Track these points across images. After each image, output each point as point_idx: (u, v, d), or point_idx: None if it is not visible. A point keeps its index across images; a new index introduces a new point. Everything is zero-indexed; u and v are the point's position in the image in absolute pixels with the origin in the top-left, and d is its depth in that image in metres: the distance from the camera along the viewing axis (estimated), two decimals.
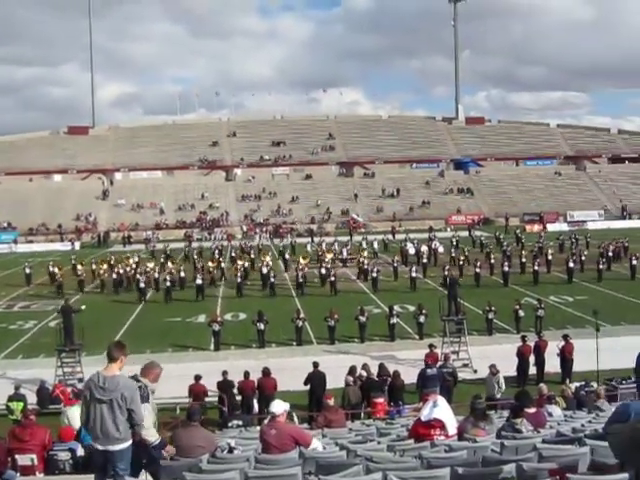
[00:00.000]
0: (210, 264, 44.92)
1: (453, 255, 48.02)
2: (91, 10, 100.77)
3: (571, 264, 41.10)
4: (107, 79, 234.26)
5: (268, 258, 45.18)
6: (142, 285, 39.29)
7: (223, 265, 46.60)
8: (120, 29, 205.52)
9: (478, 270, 40.33)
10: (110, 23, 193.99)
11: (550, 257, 44.61)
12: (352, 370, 20.03)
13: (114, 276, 42.15)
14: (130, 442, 7.06)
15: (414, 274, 40.13)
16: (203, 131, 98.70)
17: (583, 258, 43.89)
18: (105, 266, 44.72)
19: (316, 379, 19.93)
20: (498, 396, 18.86)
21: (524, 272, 42.84)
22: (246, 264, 45.20)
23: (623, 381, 19.80)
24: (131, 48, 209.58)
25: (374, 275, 40.26)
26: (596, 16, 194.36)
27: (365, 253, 48.85)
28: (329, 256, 47.77)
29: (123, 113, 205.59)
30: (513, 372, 22.66)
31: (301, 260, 44.40)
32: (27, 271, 46.04)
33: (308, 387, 20.00)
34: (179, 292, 39.78)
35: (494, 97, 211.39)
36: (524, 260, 43.85)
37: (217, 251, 54.06)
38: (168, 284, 38.78)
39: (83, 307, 28.14)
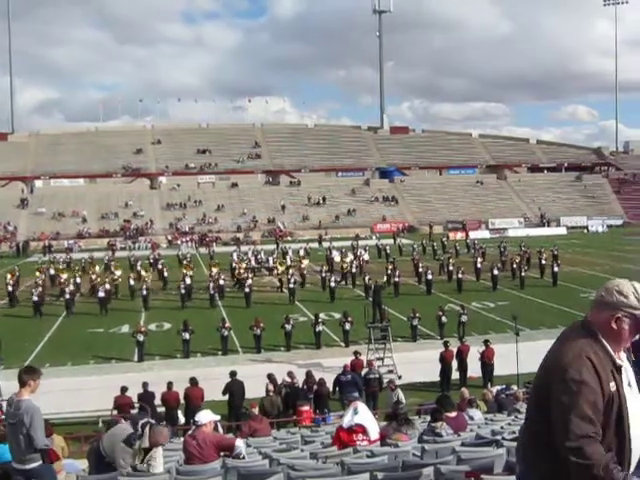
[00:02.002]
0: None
1: (379, 262, 47.98)
2: (10, 12, 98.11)
3: (495, 272, 41.66)
4: (27, 84, 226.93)
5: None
6: (36, 299, 37.09)
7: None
8: (41, 33, 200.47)
9: (397, 279, 40.42)
10: (30, 26, 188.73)
11: (479, 265, 44.72)
12: (270, 378, 19.92)
13: (10, 288, 40.04)
14: (40, 461, 7.04)
15: (333, 284, 40.02)
16: (127, 138, 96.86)
17: (514, 266, 44.14)
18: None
19: (235, 388, 19.80)
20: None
21: (451, 280, 43.12)
22: (149, 276, 43.44)
23: None
24: (52, 53, 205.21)
25: (291, 286, 39.81)
26: (515, 31, 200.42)
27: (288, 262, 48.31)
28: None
29: (44, 119, 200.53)
30: (436, 377, 23.10)
31: (213, 270, 44.03)
32: None
33: (227, 397, 19.89)
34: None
35: (417, 107, 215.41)
36: (451, 268, 44.08)
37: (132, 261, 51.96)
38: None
39: None
